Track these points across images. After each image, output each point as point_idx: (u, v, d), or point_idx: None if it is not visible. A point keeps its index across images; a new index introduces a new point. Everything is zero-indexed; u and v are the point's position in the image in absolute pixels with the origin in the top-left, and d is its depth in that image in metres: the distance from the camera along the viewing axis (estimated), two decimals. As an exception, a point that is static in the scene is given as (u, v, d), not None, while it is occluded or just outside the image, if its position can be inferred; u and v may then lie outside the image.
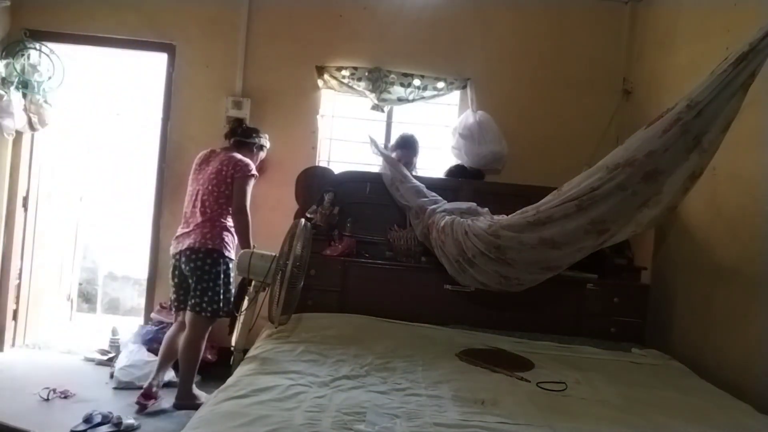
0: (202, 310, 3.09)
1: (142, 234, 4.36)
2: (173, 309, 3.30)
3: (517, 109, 4.00)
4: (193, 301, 3.11)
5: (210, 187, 3.16)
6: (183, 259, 3.12)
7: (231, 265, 3.18)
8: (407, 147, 3.74)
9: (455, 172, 3.81)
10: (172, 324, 3.60)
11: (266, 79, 3.99)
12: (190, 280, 3.13)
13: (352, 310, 3.14)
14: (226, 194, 3.15)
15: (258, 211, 3.92)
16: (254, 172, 3.24)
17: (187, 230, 3.17)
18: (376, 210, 3.53)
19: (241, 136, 3.40)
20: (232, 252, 3.19)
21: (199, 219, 3.14)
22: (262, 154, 3.54)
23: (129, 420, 2.89)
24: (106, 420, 2.84)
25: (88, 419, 2.85)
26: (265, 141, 3.52)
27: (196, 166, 3.32)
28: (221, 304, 3.13)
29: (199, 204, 3.16)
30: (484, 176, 3.83)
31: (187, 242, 3.12)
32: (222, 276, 3.13)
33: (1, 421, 2.75)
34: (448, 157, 4.00)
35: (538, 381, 2.34)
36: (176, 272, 3.19)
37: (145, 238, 4.13)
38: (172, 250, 3.21)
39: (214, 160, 3.26)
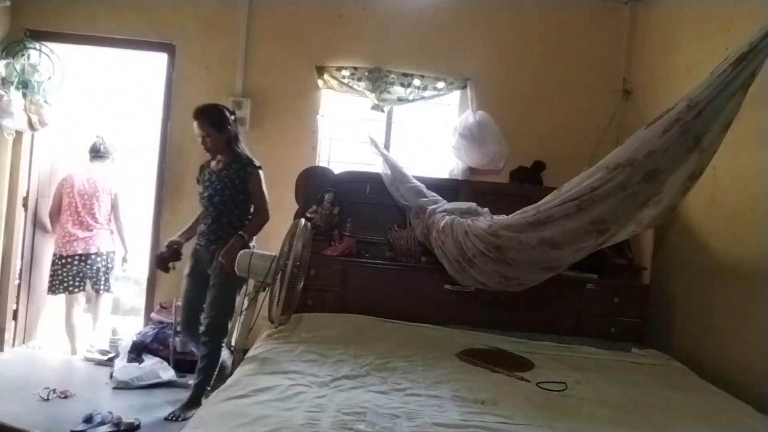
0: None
1: (142, 234, 4.36)
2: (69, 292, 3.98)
3: (517, 109, 4.01)
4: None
5: (103, 202, 4.04)
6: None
7: None
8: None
9: (517, 173, 3.79)
10: (171, 324, 3.62)
11: (266, 79, 3.99)
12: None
13: (352, 310, 3.14)
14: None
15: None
16: None
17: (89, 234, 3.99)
18: (376, 210, 3.53)
19: (104, 153, 4.14)
20: None
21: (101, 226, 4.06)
22: None
23: (129, 419, 2.89)
24: (106, 420, 2.84)
25: (88, 419, 2.85)
26: None
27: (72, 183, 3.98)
28: None
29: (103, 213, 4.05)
30: (544, 167, 3.78)
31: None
32: None
33: (1, 422, 2.75)
34: (448, 157, 4.00)
35: (538, 381, 2.34)
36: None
37: (145, 238, 4.13)
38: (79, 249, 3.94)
39: (91, 175, 4.03)
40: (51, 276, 3.96)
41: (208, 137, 3.10)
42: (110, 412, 2.91)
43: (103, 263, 4.04)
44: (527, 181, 3.73)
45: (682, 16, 3.37)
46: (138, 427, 2.90)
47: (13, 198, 3.90)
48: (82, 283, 3.97)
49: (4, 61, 3.69)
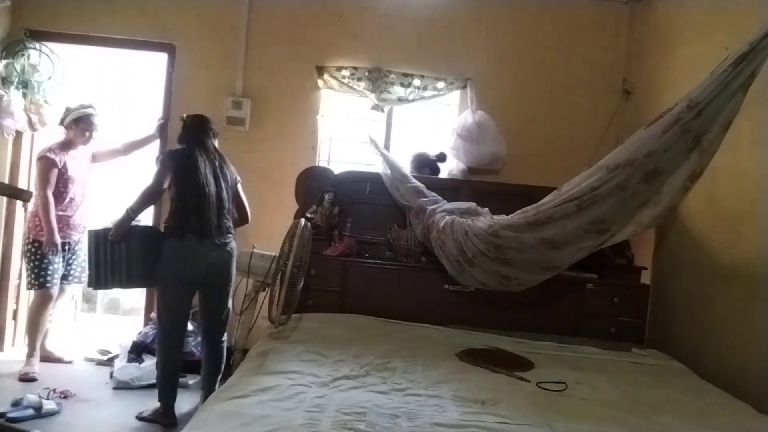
0: None
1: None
2: None
3: (517, 109, 4.01)
4: None
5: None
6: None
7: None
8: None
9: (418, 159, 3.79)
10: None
11: (266, 79, 3.99)
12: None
13: (352, 310, 3.14)
14: None
15: (258, 211, 3.93)
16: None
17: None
18: (376, 210, 3.53)
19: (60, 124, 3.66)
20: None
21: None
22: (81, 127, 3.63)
23: (50, 405, 2.95)
24: (32, 405, 2.90)
25: (16, 403, 2.92)
26: (75, 114, 3.58)
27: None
28: None
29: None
30: (444, 159, 3.81)
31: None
32: None
33: (2, 422, 2.75)
34: (448, 157, 4.00)
35: (538, 381, 2.34)
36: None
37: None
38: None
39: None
40: None
41: None
42: (40, 397, 2.96)
43: None
44: (427, 166, 3.74)
45: (682, 16, 3.37)
46: (58, 411, 2.97)
47: (13, 198, 3.89)
48: None
49: (4, 61, 3.69)
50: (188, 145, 3.02)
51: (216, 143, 3.12)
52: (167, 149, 3.08)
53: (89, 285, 3.13)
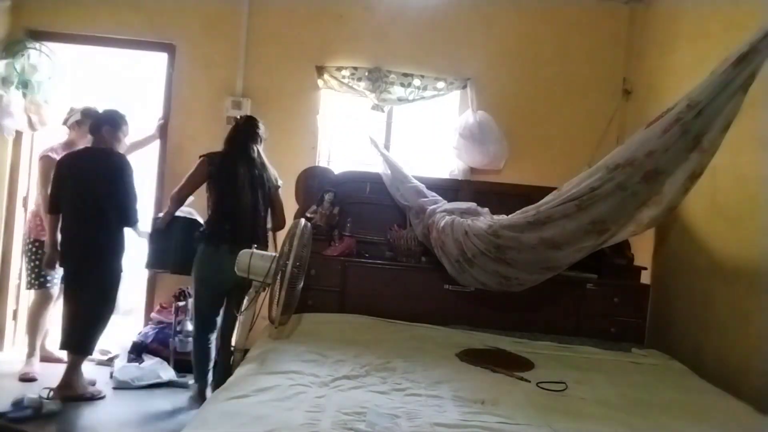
0: None
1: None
2: None
3: (517, 109, 4.01)
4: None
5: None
6: None
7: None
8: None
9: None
10: (170, 324, 3.62)
11: (266, 79, 3.99)
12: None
13: (352, 310, 3.14)
14: None
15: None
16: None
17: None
18: (376, 210, 3.53)
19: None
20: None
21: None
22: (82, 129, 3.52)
23: (50, 405, 2.95)
24: (33, 405, 2.90)
25: (17, 403, 2.91)
26: (79, 115, 3.55)
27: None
28: None
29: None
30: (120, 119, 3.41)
31: None
32: None
33: (2, 422, 2.75)
34: (448, 157, 4.00)
35: (538, 381, 2.34)
36: None
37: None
38: None
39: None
40: None
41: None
42: (40, 396, 2.96)
43: None
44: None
45: (682, 16, 3.37)
46: (58, 411, 2.97)
47: (13, 198, 3.90)
48: None
49: (4, 61, 3.69)
50: (231, 150, 3.12)
51: (261, 148, 3.20)
52: (210, 152, 3.12)
53: (146, 266, 3.47)
